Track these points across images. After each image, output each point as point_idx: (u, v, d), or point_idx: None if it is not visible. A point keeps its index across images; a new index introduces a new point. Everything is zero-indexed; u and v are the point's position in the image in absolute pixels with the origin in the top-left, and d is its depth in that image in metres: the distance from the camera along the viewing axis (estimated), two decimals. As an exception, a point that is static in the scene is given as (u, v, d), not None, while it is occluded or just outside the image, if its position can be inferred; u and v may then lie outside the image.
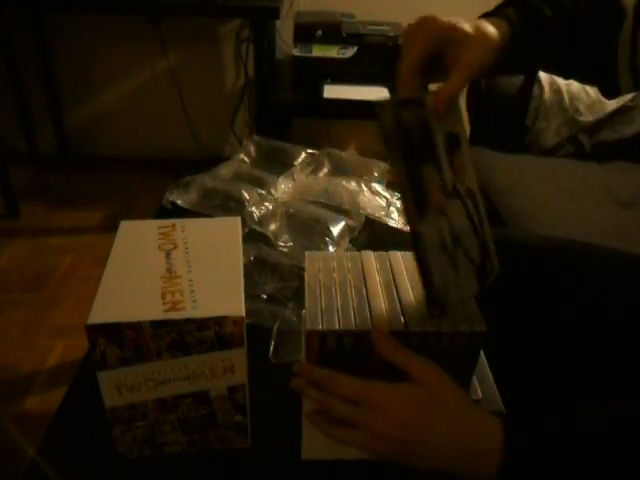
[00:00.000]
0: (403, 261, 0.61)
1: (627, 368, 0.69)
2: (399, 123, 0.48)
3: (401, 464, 0.50)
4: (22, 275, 1.85)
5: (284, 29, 2.27)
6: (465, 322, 0.52)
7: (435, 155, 0.49)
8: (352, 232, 0.94)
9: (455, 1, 2.26)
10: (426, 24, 0.54)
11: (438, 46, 0.53)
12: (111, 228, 0.62)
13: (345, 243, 0.92)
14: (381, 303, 0.55)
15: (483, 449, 0.48)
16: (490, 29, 0.56)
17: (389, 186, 1.03)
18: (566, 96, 1.58)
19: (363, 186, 1.05)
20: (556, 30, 0.61)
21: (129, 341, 0.51)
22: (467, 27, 0.54)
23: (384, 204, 1.03)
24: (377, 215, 1.01)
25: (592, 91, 1.51)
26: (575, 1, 0.63)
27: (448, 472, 0.50)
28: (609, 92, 0.71)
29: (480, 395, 0.57)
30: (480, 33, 0.55)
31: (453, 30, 0.53)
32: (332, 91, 1.95)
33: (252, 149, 1.16)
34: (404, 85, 0.53)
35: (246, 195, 0.99)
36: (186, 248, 0.60)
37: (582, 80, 0.70)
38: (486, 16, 0.61)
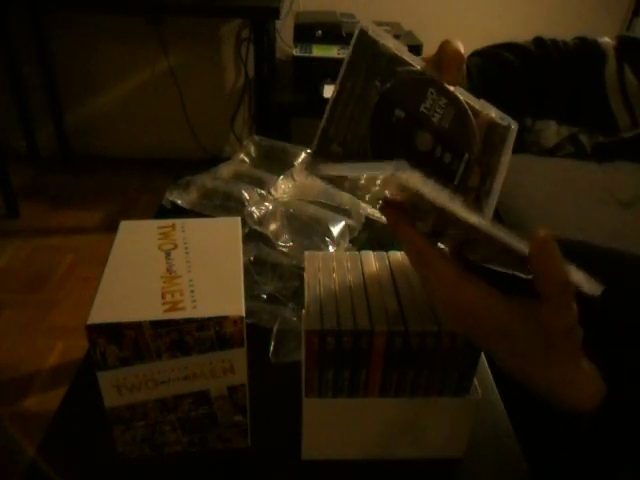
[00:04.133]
0: (403, 261, 0.61)
1: (626, 367, 0.69)
2: None
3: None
4: (22, 275, 1.85)
5: (284, 29, 2.27)
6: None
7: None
8: (352, 232, 0.94)
9: (454, 1, 2.27)
10: None
11: None
12: (111, 228, 0.62)
13: (345, 243, 0.91)
14: (380, 303, 0.55)
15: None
16: None
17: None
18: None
19: (363, 186, 1.05)
20: (521, 73, 0.63)
21: (129, 341, 0.51)
22: None
23: (384, 204, 1.03)
24: (377, 215, 1.01)
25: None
26: (555, 44, 0.66)
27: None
28: (609, 133, 0.72)
29: (480, 395, 0.57)
30: None
31: None
32: (332, 91, 1.95)
33: (252, 149, 1.16)
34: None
35: (246, 195, 0.99)
36: (186, 248, 0.60)
37: (580, 126, 0.72)
38: None
